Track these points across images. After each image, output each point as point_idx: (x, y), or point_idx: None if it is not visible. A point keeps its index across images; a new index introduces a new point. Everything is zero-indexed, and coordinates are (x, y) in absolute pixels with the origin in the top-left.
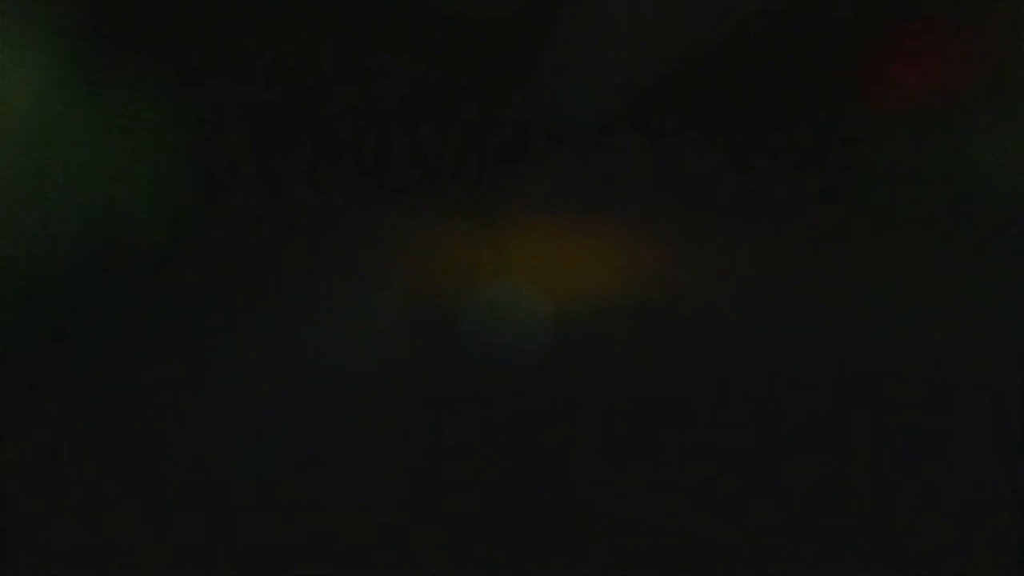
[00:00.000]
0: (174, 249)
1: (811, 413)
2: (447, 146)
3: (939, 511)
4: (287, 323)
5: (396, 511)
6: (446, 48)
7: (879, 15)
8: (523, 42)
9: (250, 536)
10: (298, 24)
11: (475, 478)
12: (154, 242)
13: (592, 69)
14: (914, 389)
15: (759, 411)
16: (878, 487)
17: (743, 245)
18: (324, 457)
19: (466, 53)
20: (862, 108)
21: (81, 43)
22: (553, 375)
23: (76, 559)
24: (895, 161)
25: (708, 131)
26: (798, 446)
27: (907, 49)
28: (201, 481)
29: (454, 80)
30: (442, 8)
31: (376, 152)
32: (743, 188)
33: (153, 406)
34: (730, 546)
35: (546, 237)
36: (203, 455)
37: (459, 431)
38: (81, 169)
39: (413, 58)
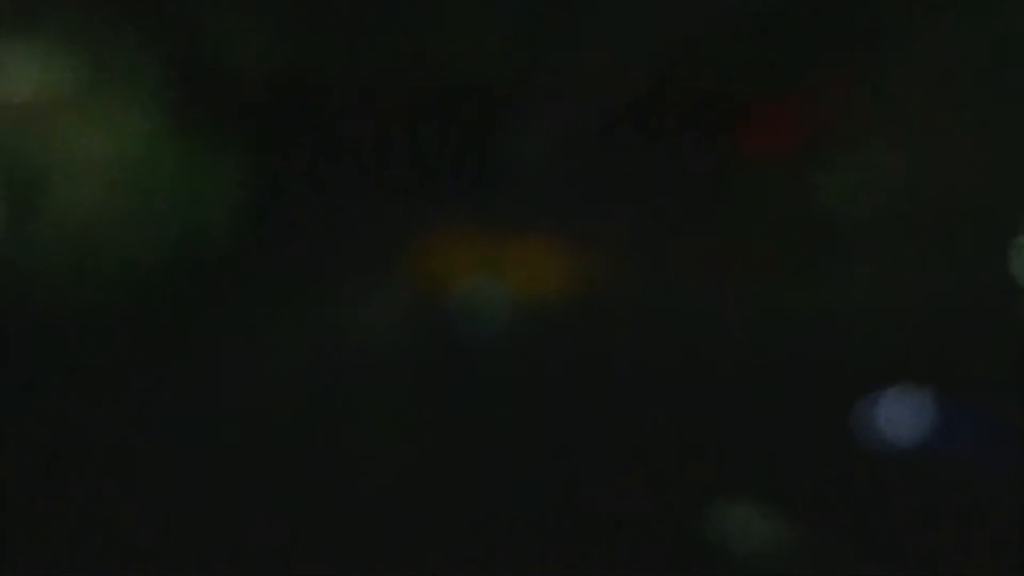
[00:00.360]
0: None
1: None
2: (440, 163)
3: (939, 511)
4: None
5: (396, 500)
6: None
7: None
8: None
9: (251, 535)
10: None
11: (459, 446)
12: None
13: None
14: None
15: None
16: (878, 486)
17: (648, 255)
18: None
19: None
20: (744, 149)
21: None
22: (521, 357)
23: (76, 559)
24: (766, 192)
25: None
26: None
27: (782, 105)
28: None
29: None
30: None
31: (377, 161)
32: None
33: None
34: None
35: (509, 243)
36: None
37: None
38: (166, 198)
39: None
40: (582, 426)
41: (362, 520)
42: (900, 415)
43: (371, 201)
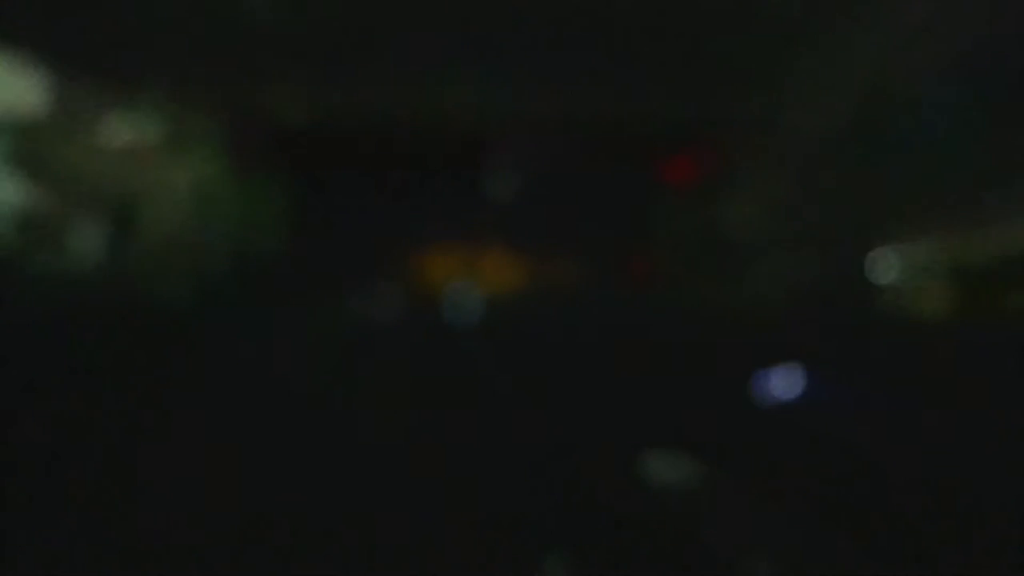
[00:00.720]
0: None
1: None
2: (432, 194)
3: (810, 453)
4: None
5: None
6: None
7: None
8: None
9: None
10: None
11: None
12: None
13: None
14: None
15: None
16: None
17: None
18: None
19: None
20: (665, 182)
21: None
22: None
23: (76, 559)
24: (682, 216)
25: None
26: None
27: (694, 149)
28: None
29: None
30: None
31: (385, 192)
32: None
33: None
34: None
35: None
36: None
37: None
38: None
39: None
40: (539, 392)
41: (362, 520)
42: (784, 384)
43: (380, 222)
